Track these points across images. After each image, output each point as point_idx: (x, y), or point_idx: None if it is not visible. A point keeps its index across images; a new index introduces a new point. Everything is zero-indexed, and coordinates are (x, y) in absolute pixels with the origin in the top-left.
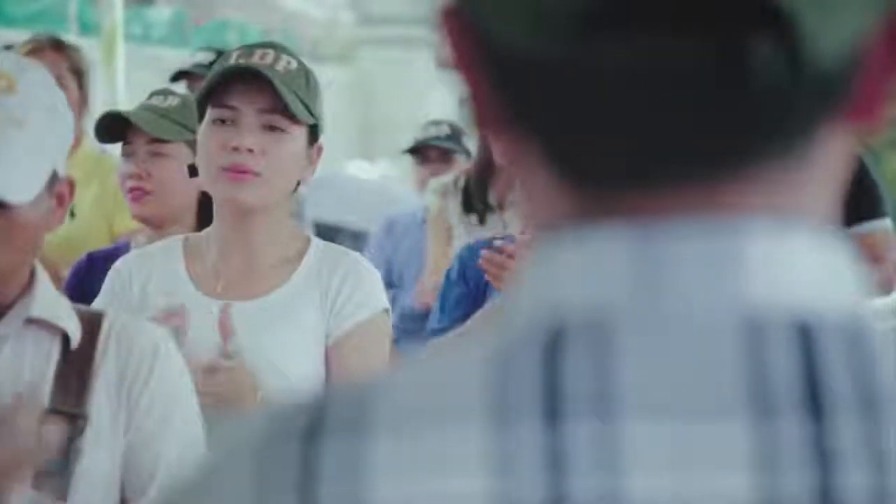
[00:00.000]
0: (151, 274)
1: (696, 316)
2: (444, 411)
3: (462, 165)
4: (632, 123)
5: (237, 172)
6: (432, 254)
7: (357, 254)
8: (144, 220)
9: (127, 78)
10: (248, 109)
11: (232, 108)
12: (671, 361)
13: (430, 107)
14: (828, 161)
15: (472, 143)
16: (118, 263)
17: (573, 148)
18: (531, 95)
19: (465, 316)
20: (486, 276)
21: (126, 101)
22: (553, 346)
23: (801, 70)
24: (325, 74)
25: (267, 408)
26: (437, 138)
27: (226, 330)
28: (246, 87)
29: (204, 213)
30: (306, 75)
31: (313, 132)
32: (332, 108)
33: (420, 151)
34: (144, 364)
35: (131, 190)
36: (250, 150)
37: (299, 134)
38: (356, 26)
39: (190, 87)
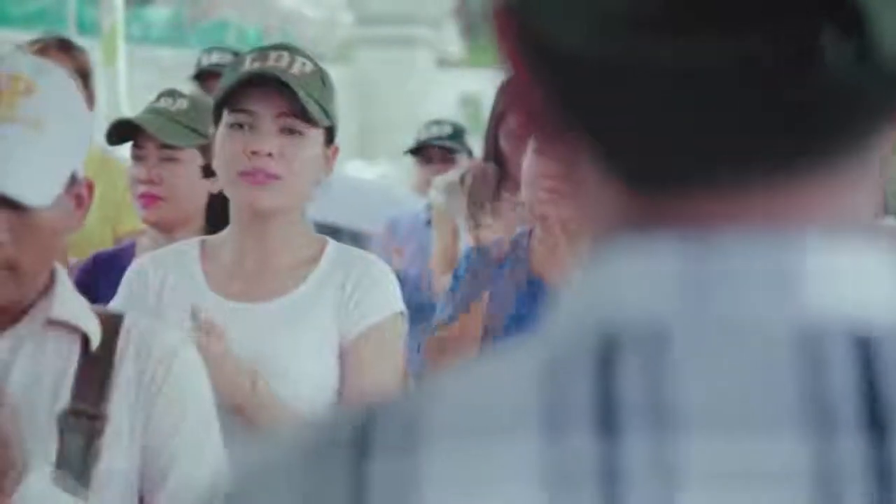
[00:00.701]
0: (168, 276)
1: (753, 328)
2: (497, 424)
3: (464, 165)
4: (688, 126)
5: (257, 177)
6: (438, 252)
7: (374, 256)
8: (155, 225)
9: (126, 78)
10: (265, 113)
11: (249, 112)
12: (727, 375)
13: (428, 107)
14: (875, 162)
15: (474, 142)
16: (134, 265)
17: (626, 151)
18: (584, 96)
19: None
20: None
21: (127, 102)
22: (606, 358)
23: (870, 67)
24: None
25: (311, 420)
26: (440, 138)
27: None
28: (263, 90)
29: (213, 216)
30: (321, 77)
31: (329, 134)
32: None
33: (422, 151)
34: (162, 366)
35: (143, 195)
36: (269, 154)
37: (316, 136)
38: (354, 26)
39: (204, 86)
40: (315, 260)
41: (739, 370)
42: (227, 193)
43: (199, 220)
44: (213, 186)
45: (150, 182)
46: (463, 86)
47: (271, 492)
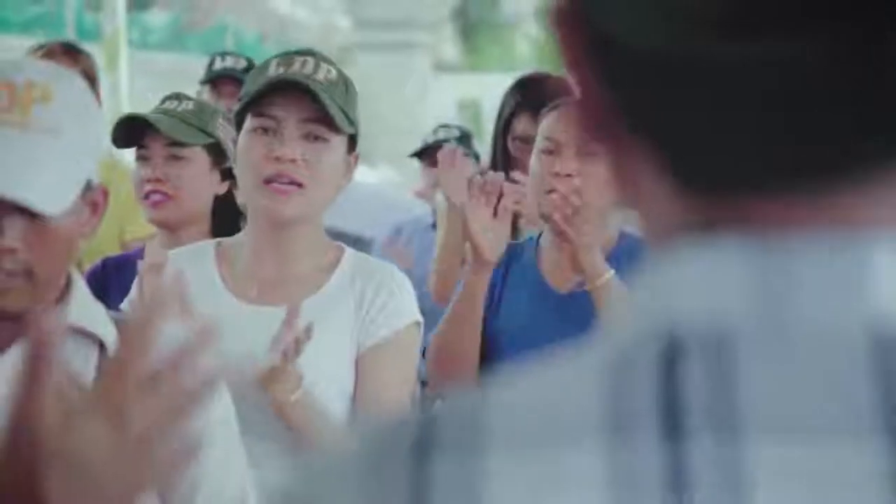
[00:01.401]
0: (183, 276)
1: (820, 331)
2: (561, 428)
3: (471, 169)
4: (755, 128)
5: (281, 184)
6: (444, 252)
7: (391, 265)
8: (162, 225)
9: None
10: (290, 119)
11: (274, 117)
12: (795, 378)
13: (427, 111)
14: None
15: (480, 146)
16: (142, 265)
17: (691, 152)
18: (648, 97)
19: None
20: (557, 219)
21: (128, 107)
22: (670, 360)
23: None
24: None
25: (369, 426)
26: (447, 141)
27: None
28: (287, 96)
29: (219, 216)
30: (345, 84)
31: (351, 140)
32: None
33: (429, 154)
34: None
35: (149, 194)
36: (293, 161)
37: (339, 143)
38: (352, 30)
39: (215, 91)
40: (332, 267)
41: (807, 374)
42: (249, 199)
43: (206, 221)
44: (219, 188)
45: (156, 181)
46: (461, 90)
47: (334, 495)
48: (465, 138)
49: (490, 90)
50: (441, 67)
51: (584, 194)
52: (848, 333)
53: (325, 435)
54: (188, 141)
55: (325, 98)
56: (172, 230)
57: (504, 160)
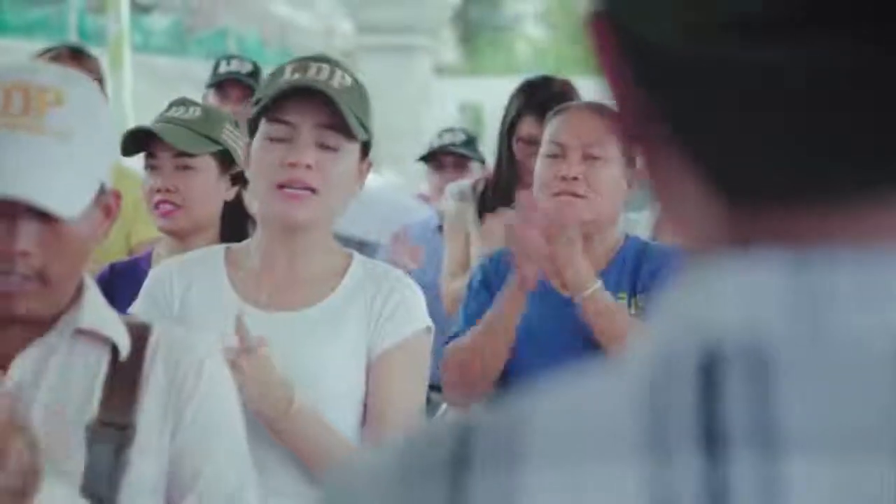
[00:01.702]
0: (192, 281)
1: (858, 345)
2: (599, 443)
3: (477, 172)
4: (795, 139)
5: (295, 190)
6: (450, 257)
7: (400, 271)
8: (171, 233)
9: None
10: (305, 125)
11: (288, 123)
12: (833, 394)
13: (428, 115)
14: None
15: (486, 150)
16: (157, 270)
17: (728, 160)
18: (685, 101)
19: None
20: (509, 245)
21: (132, 110)
22: (709, 375)
23: None
24: None
25: (402, 438)
26: (453, 145)
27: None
28: (302, 102)
29: (228, 222)
30: (360, 90)
31: (364, 147)
32: None
33: (435, 158)
34: (191, 376)
35: (159, 204)
36: (308, 167)
37: (353, 150)
38: (354, 35)
39: (220, 94)
40: (342, 272)
41: (845, 390)
42: (262, 204)
43: (215, 227)
44: (228, 194)
45: (165, 191)
46: (462, 94)
47: None
48: (470, 142)
49: (491, 93)
50: (442, 71)
51: (589, 197)
52: (884, 347)
53: (328, 448)
54: (196, 151)
55: (341, 105)
56: (182, 238)
57: (508, 162)
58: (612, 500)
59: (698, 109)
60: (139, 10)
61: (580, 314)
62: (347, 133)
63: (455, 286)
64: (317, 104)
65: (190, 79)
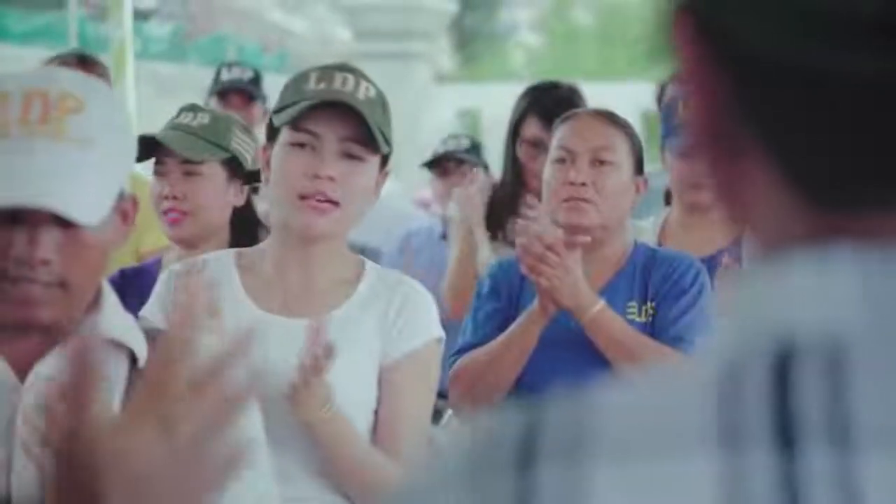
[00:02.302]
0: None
1: None
2: (671, 438)
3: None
4: (879, 143)
5: (318, 202)
6: (458, 266)
7: (414, 281)
8: (180, 241)
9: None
10: (329, 137)
11: (314, 133)
12: None
13: (427, 121)
14: None
15: (489, 156)
16: (168, 272)
17: (813, 161)
18: (769, 102)
19: (497, 331)
20: (523, 268)
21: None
22: (783, 370)
23: None
24: None
25: (468, 434)
26: (458, 151)
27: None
28: (329, 112)
29: (238, 228)
30: (383, 102)
31: (384, 159)
32: None
33: (439, 164)
34: None
35: (167, 211)
36: (331, 179)
37: (374, 163)
38: (352, 41)
39: (222, 102)
40: (355, 280)
41: None
42: (281, 211)
43: (224, 234)
44: (236, 200)
45: (173, 198)
46: (459, 100)
47: None
48: (474, 148)
49: (488, 100)
50: (439, 78)
51: (597, 203)
52: None
53: (354, 451)
54: (202, 158)
55: (368, 118)
56: (191, 246)
57: (513, 166)
58: (684, 494)
59: (787, 110)
60: (138, 16)
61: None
62: (372, 146)
63: (456, 283)
64: (343, 115)
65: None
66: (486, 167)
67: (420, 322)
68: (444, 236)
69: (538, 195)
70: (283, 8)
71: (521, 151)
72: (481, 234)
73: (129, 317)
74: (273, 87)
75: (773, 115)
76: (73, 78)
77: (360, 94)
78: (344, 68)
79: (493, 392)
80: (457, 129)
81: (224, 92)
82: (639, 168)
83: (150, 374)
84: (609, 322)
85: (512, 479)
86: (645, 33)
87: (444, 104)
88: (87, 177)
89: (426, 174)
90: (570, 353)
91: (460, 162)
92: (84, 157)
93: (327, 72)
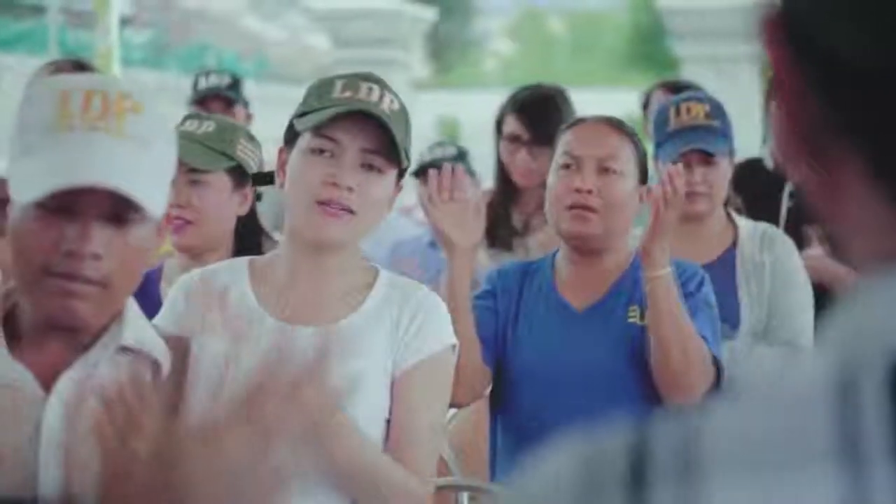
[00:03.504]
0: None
1: None
2: (784, 453)
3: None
4: None
5: (334, 209)
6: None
7: (427, 288)
8: (184, 250)
9: None
10: (352, 146)
11: (336, 141)
12: None
13: None
14: None
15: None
16: (182, 281)
17: None
18: (869, 114)
19: (492, 337)
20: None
21: None
22: None
23: None
24: (301, 97)
25: (574, 449)
26: (444, 159)
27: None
28: (352, 121)
29: (242, 237)
30: (405, 115)
31: (401, 173)
32: None
33: (425, 173)
34: None
35: (172, 220)
36: (349, 188)
37: (393, 175)
38: (330, 49)
39: (202, 110)
40: (368, 288)
41: None
42: (296, 217)
43: (228, 243)
44: (241, 209)
45: (178, 206)
46: (436, 108)
47: None
48: (461, 156)
49: (463, 107)
50: (416, 85)
51: (602, 211)
52: None
53: (365, 460)
54: (208, 167)
55: (392, 130)
56: (195, 255)
57: (501, 172)
58: None
59: (885, 121)
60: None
61: (598, 326)
62: (393, 158)
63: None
64: (366, 126)
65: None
66: (473, 174)
67: (434, 329)
68: (432, 244)
69: (523, 191)
70: (260, 16)
71: (502, 148)
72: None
73: (149, 325)
74: (250, 94)
75: (872, 123)
76: (131, 82)
77: (385, 106)
78: (370, 78)
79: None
80: (436, 136)
81: (202, 99)
82: (643, 177)
83: (255, 376)
84: (670, 287)
85: (623, 499)
86: (618, 42)
87: (422, 112)
88: (147, 174)
89: (407, 180)
90: (575, 349)
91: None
92: (142, 155)
93: (353, 80)
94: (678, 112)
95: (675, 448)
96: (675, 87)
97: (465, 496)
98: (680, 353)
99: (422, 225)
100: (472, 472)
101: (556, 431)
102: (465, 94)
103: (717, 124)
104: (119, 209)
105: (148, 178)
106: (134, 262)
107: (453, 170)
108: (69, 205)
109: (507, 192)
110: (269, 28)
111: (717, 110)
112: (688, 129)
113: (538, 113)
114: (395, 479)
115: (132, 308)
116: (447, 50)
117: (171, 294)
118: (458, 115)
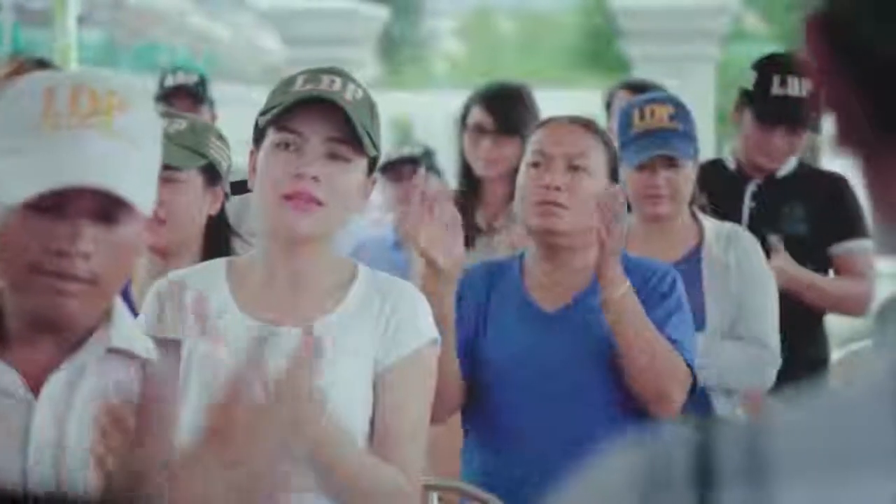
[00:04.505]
0: (197, 295)
1: None
2: (851, 453)
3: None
4: None
5: (300, 201)
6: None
7: (407, 283)
8: (155, 249)
9: None
10: (314, 136)
11: (297, 133)
12: None
13: None
14: None
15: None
16: (161, 283)
17: None
18: None
19: (464, 340)
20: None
21: None
22: None
23: None
24: (250, 96)
25: (636, 449)
26: (411, 157)
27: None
28: (313, 113)
29: (210, 238)
30: (371, 105)
31: (371, 163)
32: None
33: (393, 169)
34: None
35: None
36: (315, 178)
37: (361, 165)
38: (280, 48)
39: (169, 105)
40: (347, 284)
41: None
42: (265, 215)
43: (197, 246)
44: (212, 208)
45: None
46: (390, 107)
47: None
48: (427, 155)
49: (414, 107)
50: (368, 85)
51: (571, 208)
52: None
53: (348, 458)
54: (180, 165)
55: (353, 117)
56: (163, 255)
57: (466, 172)
58: None
59: None
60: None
61: (568, 328)
62: (358, 147)
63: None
64: (328, 115)
65: None
66: (439, 173)
67: (416, 324)
68: (396, 245)
69: (487, 188)
70: (207, 15)
71: (466, 140)
72: None
73: (138, 326)
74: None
75: None
76: (118, 79)
77: (348, 95)
78: (333, 71)
79: (444, 382)
80: (391, 135)
81: (168, 96)
82: (613, 176)
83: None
84: (635, 307)
85: (690, 499)
86: (568, 42)
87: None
88: (137, 173)
89: None
90: (544, 351)
91: (414, 167)
92: (132, 153)
93: (315, 73)
94: (642, 115)
95: (741, 449)
96: (638, 88)
97: (434, 496)
98: (654, 376)
99: (378, 225)
100: (443, 473)
101: (529, 434)
102: (416, 94)
103: (680, 127)
104: (109, 208)
105: (138, 177)
106: (123, 259)
107: (424, 193)
108: (59, 204)
109: (470, 189)
110: (221, 27)
111: (681, 111)
112: (652, 132)
113: (503, 103)
114: (382, 479)
115: (119, 309)
116: (398, 50)
117: (148, 300)
118: (410, 114)
